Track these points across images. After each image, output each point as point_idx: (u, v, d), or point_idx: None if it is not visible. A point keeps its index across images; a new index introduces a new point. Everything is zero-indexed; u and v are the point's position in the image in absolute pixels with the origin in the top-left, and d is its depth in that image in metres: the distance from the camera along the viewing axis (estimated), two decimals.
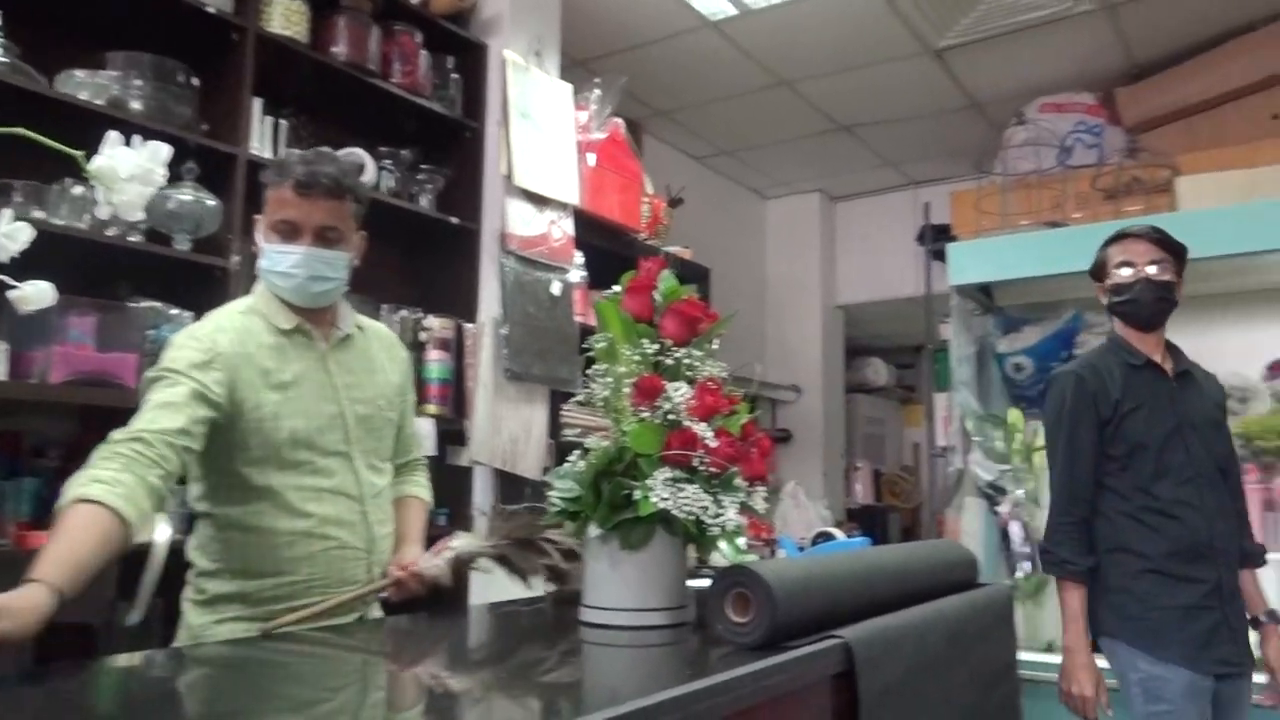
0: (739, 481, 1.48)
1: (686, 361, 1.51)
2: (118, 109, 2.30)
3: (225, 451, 1.58)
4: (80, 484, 1.29)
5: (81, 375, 2.14)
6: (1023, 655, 1.87)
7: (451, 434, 2.99)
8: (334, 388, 1.68)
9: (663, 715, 1.02)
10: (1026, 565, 2.70)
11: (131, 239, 2.29)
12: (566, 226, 3.34)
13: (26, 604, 1.15)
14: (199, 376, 1.50)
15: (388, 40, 2.96)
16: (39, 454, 2.27)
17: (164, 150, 0.82)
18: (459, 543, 1.75)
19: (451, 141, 3.18)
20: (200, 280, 2.42)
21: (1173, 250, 2.12)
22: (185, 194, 2.35)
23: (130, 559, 2.26)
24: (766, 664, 1.21)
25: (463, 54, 3.22)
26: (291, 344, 1.66)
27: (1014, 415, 2.86)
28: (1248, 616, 2.09)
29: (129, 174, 0.79)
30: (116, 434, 1.39)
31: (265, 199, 1.65)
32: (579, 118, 3.49)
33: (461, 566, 1.75)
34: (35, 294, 0.83)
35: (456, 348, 3.03)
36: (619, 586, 1.47)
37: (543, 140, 3.28)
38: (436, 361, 2.97)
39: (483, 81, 3.21)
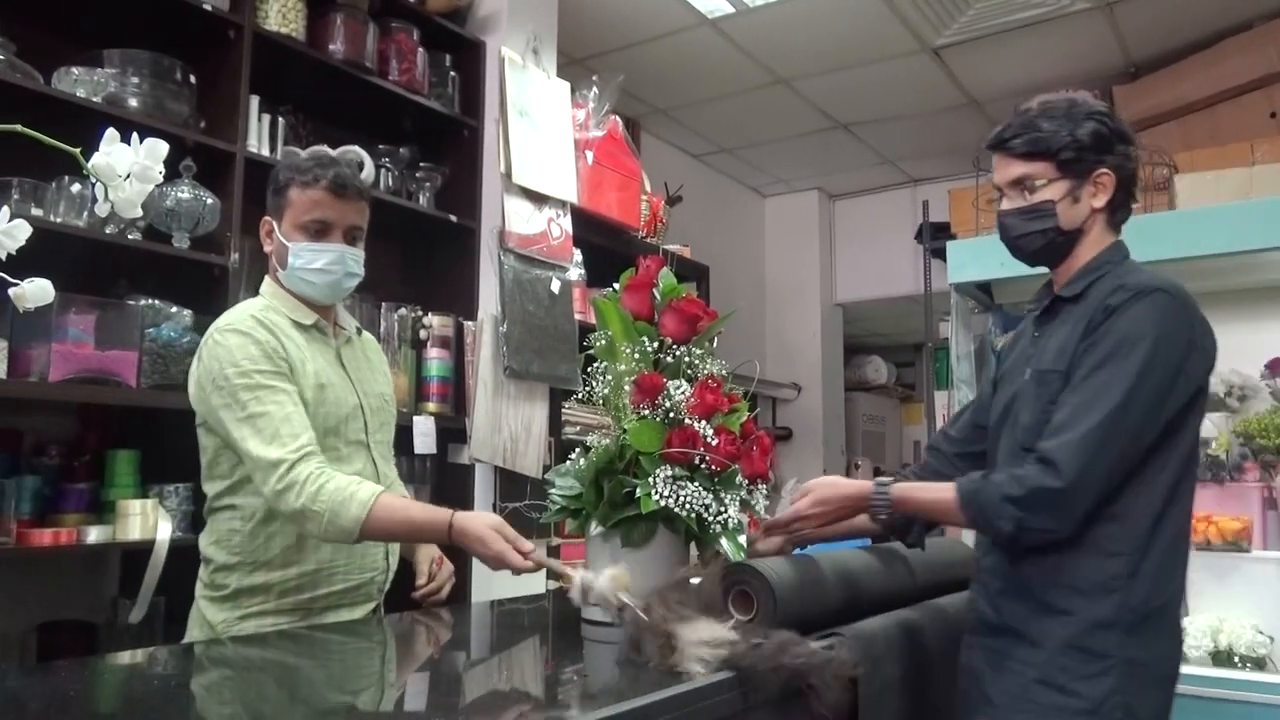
0: (740, 479, 1.47)
1: (686, 360, 1.51)
2: (115, 106, 2.30)
3: None
4: (358, 490, 1.51)
5: (81, 373, 2.13)
6: None
7: (452, 432, 2.98)
8: (350, 380, 1.75)
9: (665, 713, 1.02)
10: None
11: (130, 237, 2.28)
12: (565, 224, 3.34)
13: (479, 518, 1.52)
14: (279, 370, 1.60)
15: (385, 38, 2.95)
16: (40, 452, 2.27)
17: (162, 147, 0.81)
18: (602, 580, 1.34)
19: (449, 139, 3.18)
20: (199, 278, 2.41)
21: (1044, 151, 1.52)
22: (183, 191, 2.34)
23: (132, 558, 2.27)
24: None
25: (460, 52, 3.21)
26: (310, 339, 1.72)
27: None
28: None
29: (127, 171, 0.78)
30: (296, 452, 1.53)
31: (286, 199, 1.70)
32: (576, 115, 3.49)
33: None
34: (35, 292, 0.82)
35: (456, 345, 3.03)
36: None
37: (540, 138, 3.28)
38: (436, 359, 2.97)
39: (480, 79, 3.20)
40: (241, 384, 1.57)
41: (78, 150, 0.77)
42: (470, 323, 3.05)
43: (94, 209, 2.20)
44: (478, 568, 2.98)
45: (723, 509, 1.44)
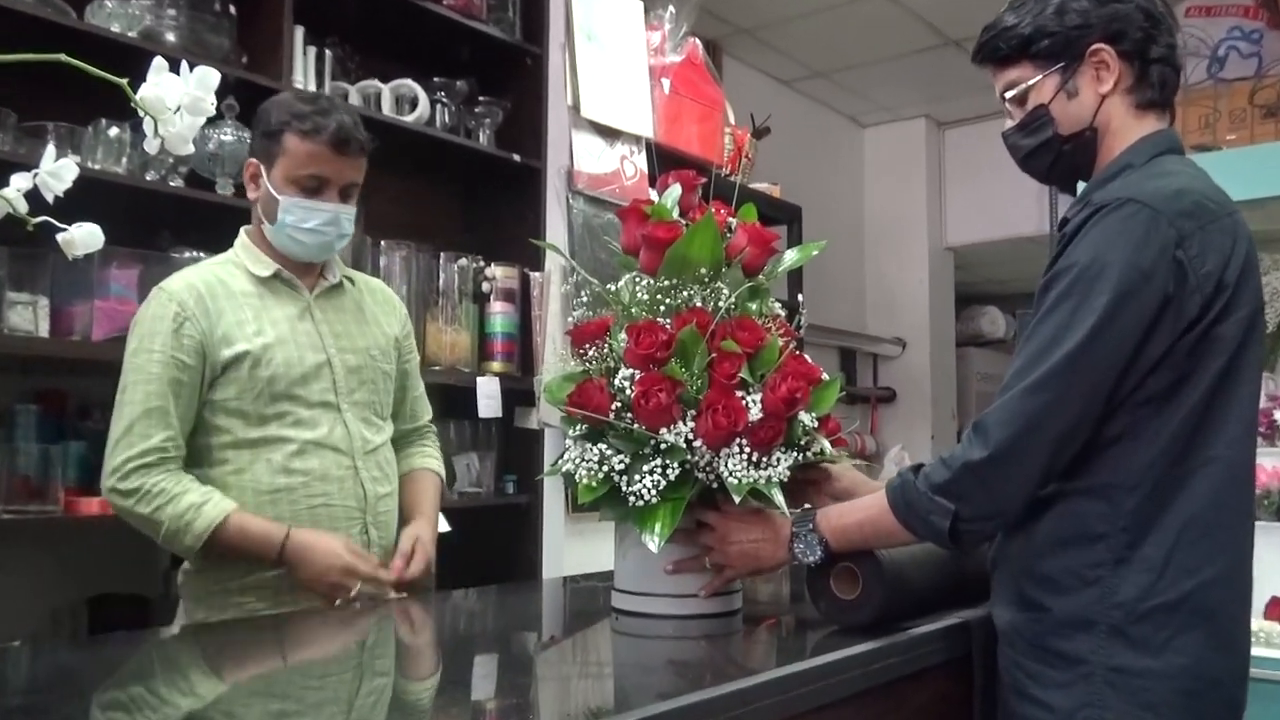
0: (692, 444, 1.30)
1: (643, 296, 1.42)
2: (151, 41, 2.35)
3: (208, 406, 1.67)
4: (195, 520, 1.60)
5: (125, 331, 2.20)
6: None
7: (518, 393, 3.01)
8: (319, 336, 1.76)
9: (764, 697, 1.02)
10: None
11: (172, 184, 2.35)
12: (640, 162, 3.33)
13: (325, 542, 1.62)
14: (172, 352, 1.64)
15: None
16: (84, 415, 2.36)
17: (213, 76, 0.83)
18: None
19: (511, 69, 3.18)
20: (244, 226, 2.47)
21: (1016, 48, 1.43)
22: (226, 134, 2.39)
23: None
24: (882, 644, 1.21)
25: None
26: (271, 292, 1.75)
27: None
28: None
29: (177, 104, 0.80)
30: (133, 458, 1.62)
31: (280, 145, 1.72)
32: (651, 39, 3.46)
33: None
34: (84, 237, 0.85)
35: (522, 299, 3.05)
36: (622, 565, 1.43)
37: (611, 65, 3.26)
38: (501, 314, 2.99)
39: (544, 1, 3.19)
40: (136, 359, 1.66)
41: (124, 81, 0.79)
42: (537, 274, 3.07)
43: (138, 150, 2.26)
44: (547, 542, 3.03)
45: (636, 478, 1.29)
